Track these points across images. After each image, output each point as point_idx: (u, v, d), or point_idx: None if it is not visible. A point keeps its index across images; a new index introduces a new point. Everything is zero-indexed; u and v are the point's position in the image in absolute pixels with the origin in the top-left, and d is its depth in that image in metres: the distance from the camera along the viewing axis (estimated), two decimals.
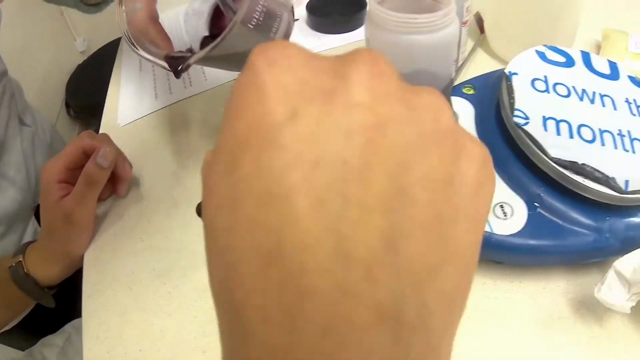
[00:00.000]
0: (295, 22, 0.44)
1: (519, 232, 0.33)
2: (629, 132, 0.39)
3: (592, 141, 0.37)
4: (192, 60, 0.35)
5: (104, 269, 0.40)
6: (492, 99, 0.40)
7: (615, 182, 0.34)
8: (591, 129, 0.38)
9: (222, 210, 0.13)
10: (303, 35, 0.67)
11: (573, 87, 0.41)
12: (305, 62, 0.14)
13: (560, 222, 0.34)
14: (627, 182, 0.35)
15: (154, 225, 0.43)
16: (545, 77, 0.41)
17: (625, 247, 0.34)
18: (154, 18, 0.41)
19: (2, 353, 0.62)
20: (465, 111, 0.41)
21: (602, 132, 0.38)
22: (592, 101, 0.40)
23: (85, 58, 1.88)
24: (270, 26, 0.39)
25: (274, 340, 0.12)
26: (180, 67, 0.35)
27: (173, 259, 0.40)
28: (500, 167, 0.37)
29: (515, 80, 0.39)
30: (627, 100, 0.42)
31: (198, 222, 0.35)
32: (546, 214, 0.34)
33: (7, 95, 0.65)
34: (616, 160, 0.36)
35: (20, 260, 0.45)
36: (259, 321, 0.12)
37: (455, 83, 0.44)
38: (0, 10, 0.62)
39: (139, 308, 0.37)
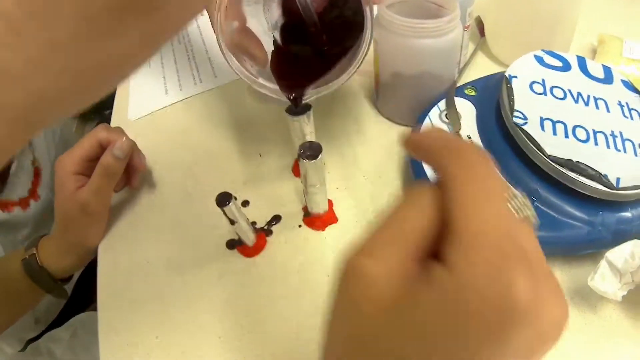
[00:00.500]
0: None
1: None
2: (621, 133, 0.41)
3: (586, 141, 0.39)
4: (311, 97, 0.37)
5: (118, 259, 0.41)
6: (493, 100, 0.42)
7: (607, 179, 0.37)
8: (585, 130, 0.40)
9: None
10: None
11: (569, 90, 0.43)
12: None
13: (556, 215, 0.37)
14: (618, 179, 0.37)
15: (168, 217, 0.44)
16: (543, 80, 0.43)
17: (617, 239, 0.37)
18: (245, 28, 0.40)
19: (9, 345, 0.63)
20: (467, 111, 0.43)
21: (595, 132, 0.40)
22: (586, 103, 0.43)
23: None
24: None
25: None
26: (298, 100, 0.37)
27: (187, 250, 0.41)
28: (500, 163, 0.38)
29: (514, 83, 0.41)
30: (619, 103, 0.44)
31: (210, 214, 0.36)
32: (543, 208, 0.37)
33: None
34: (608, 159, 0.38)
35: (34, 253, 0.45)
36: None
37: (458, 85, 0.46)
38: None
39: (154, 297, 0.38)
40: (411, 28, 0.41)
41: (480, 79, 0.47)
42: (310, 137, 0.41)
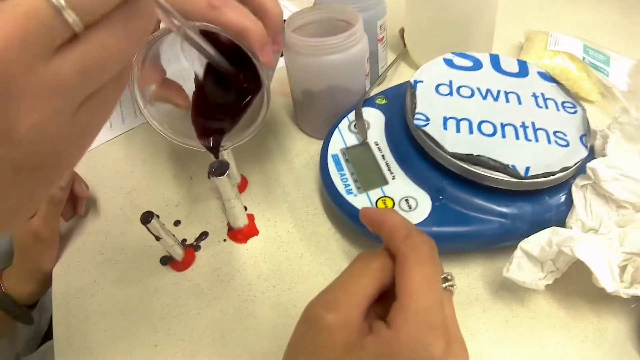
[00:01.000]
0: None
1: (423, 221, 0.36)
2: (532, 123, 0.41)
3: (492, 134, 0.39)
4: (229, 145, 0.39)
5: (70, 281, 0.45)
6: (401, 106, 0.43)
7: (515, 169, 0.37)
8: (492, 124, 0.40)
9: None
10: None
11: (477, 88, 0.44)
12: None
13: (464, 210, 0.37)
14: (527, 168, 0.37)
15: (111, 239, 0.48)
16: (450, 81, 0.44)
17: (534, 229, 0.36)
18: (164, 80, 0.41)
19: None
20: (375, 119, 0.44)
21: (503, 125, 0.40)
22: (496, 99, 0.43)
23: None
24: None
25: None
26: (217, 148, 0.39)
27: (128, 268, 0.44)
28: (406, 165, 0.39)
29: (419, 87, 0.42)
30: (534, 95, 0.45)
31: (147, 235, 0.39)
32: (450, 204, 0.37)
33: None
34: (517, 149, 0.38)
35: None
36: None
37: (371, 95, 0.47)
38: None
39: (101, 312, 0.42)
40: (313, 47, 0.43)
41: (392, 87, 0.48)
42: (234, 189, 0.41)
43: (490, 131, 0.40)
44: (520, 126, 0.41)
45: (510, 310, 0.37)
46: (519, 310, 0.37)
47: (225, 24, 0.33)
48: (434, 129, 0.38)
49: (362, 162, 0.41)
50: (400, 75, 0.57)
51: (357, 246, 0.42)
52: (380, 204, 0.37)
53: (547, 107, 0.44)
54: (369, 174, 0.40)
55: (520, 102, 0.43)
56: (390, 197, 0.38)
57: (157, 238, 0.40)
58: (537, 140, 0.40)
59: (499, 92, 0.44)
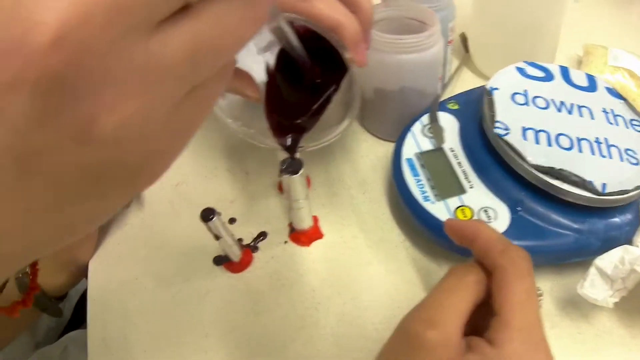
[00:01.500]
0: None
1: (503, 233, 0.36)
2: (605, 139, 0.41)
3: (570, 149, 0.39)
4: (312, 146, 0.37)
5: (108, 276, 0.42)
6: (475, 113, 0.42)
7: (593, 185, 0.37)
8: (569, 138, 0.40)
9: None
10: None
11: (552, 99, 0.43)
12: None
13: (542, 224, 0.37)
14: (604, 185, 0.37)
15: (156, 234, 0.45)
16: (525, 91, 0.43)
17: (606, 246, 0.36)
18: (236, 70, 0.39)
19: None
20: (450, 125, 0.43)
21: (579, 140, 0.40)
22: (570, 112, 0.43)
23: None
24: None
25: None
26: (294, 148, 0.36)
27: (174, 267, 0.42)
28: (483, 174, 0.39)
29: (496, 95, 0.42)
30: (604, 110, 0.44)
31: (198, 231, 0.37)
32: (528, 217, 0.37)
33: None
34: (593, 165, 0.38)
35: (27, 272, 0.45)
36: None
37: (441, 99, 0.47)
38: None
39: (143, 312, 0.39)
40: (391, 44, 0.42)
41: (463, 92, 0.47)
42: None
43: (568, 145, 0.39)
44: (595, 141, 0.41)
45: (577, 327, 0.37)
46: (584, 327, 0.37)
47: (316, 17, 0.31)
48: (514, 139, 0.38)
49: (438, 168, 0.40)
50: (463, 80, 0.56)
51: (428, 256, 0.41)
52: (459, 214, 0.37)
53: (617, 124, 0.43)
54: (446, 181, 0.39)
55: (592, 117, 0.43)
56: (469, 207, 0.38)
57: (217, 237, 0.37)
58: (610, 157, 0.40)
59: (572, 105, 0.43)
